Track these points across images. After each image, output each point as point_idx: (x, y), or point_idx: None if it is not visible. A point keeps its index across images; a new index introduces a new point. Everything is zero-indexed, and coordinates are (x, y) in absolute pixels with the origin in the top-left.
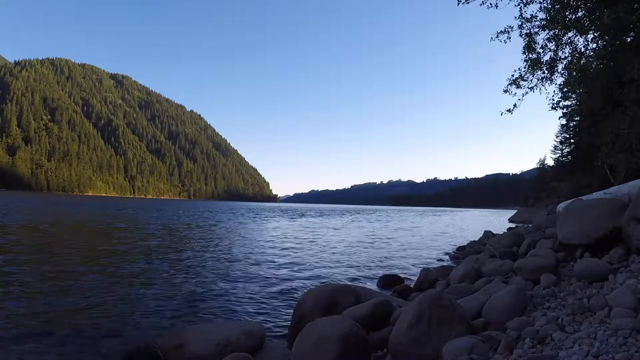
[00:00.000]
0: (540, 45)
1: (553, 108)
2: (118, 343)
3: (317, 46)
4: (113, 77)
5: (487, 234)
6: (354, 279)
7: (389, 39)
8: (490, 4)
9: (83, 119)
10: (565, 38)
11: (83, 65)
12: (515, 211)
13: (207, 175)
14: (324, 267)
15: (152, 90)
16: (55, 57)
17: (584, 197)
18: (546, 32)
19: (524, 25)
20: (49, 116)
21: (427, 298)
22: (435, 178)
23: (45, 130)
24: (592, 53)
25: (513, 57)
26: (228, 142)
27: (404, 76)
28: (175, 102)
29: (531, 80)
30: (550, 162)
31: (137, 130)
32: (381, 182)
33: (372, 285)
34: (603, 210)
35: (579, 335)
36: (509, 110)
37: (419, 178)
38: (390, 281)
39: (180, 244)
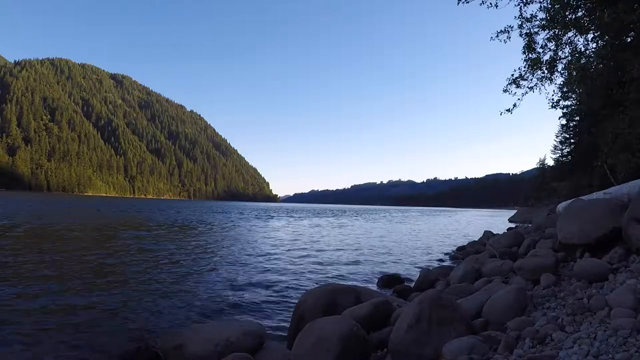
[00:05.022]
0: (540, 45)
1: (553, 107)
2: (118, 343)
3: (317, 46)
4: (113, 77)
5: (487, 234)
6: (354, 279)
7: (389, 38)
8: (490, 3)
9: (83, 119)
10: (565, 38)
11: (83, 65)
12: (515, 211)
13: (207, 175)
14: (324, 267)
15: (152, 90)
16: (55, 57)
17: (584, 197)
18: (546, 32)
19: (524, 25)
20: (49, 116)
21: (427, 298)
22: (435, 178)
23: (45, 130)
24: (592, 53)
25: (513, 56)
26: (228, 142)
27: (404, 76)
28: (175, 102)
29: (531, 80)
30: (550, 162)
31: (137, 130)
32: (381, 182)
33: (372, 285)
34: (603, 210)
35: (579, 335)
36: (508, 110)
37: (419, 178)
38: (390, 281)
39: (180, 243)
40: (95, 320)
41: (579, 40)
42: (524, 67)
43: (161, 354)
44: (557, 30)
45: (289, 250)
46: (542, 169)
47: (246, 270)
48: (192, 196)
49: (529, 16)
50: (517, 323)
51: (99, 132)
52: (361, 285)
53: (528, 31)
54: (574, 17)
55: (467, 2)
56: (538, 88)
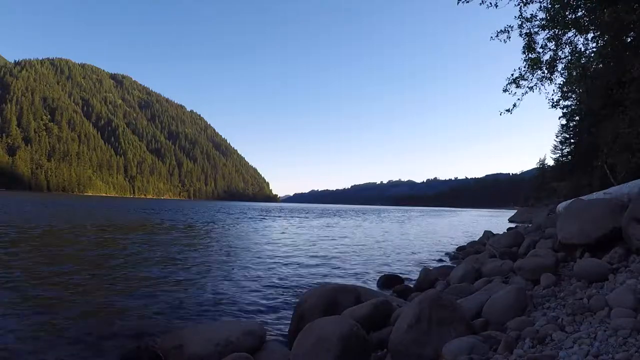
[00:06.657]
0: (540, 45)
1: (553, 106)
2: (118, 343)
3: (317, 46)
4: (113, 77)
5: (487, 234)
6: (354, 279)
7: (389, 38)
8: (490, 3)
9: (83, 119)
10: (565, 38)
11: (83, 65)
12: (515, 211)
13: (207, 175)
14: (324, 267)
15: (152, 90)
16: (55, 57)
17: (584, 197)
18: (546, 31)
19: (524, 25)
20: (49, 116)
21: (427, 298)
22: (435, 178)
23: (45, 130)
24: (592, 53)
25: (513, 56)
26: (228, 142)
27: (404, 76)
28: (175, 102)
29: (531, 80)
30: (550, 162)
31: (137, 130)
32: (381, 182)
33: (372, 285)
34: (603, 210)
35: (579, 335)
36: (508, 110)
37: (419, 178)
38: (390, 281)
39: (180, 244)
40: (95, 320)
41: (579, 40)
42: (524, 67)
43: (161, 354)
44: (557, 30)
45: (288, 250)
46: (542, 169)
47: (246, 270)
48: (192, 196)
49: (529, 16)
50: (517, 323)
51: (99, 132)
52: (361, 285)
53: (528, 31)
54: (574, 17)
55: (467, 2)
56: (538, 88)
